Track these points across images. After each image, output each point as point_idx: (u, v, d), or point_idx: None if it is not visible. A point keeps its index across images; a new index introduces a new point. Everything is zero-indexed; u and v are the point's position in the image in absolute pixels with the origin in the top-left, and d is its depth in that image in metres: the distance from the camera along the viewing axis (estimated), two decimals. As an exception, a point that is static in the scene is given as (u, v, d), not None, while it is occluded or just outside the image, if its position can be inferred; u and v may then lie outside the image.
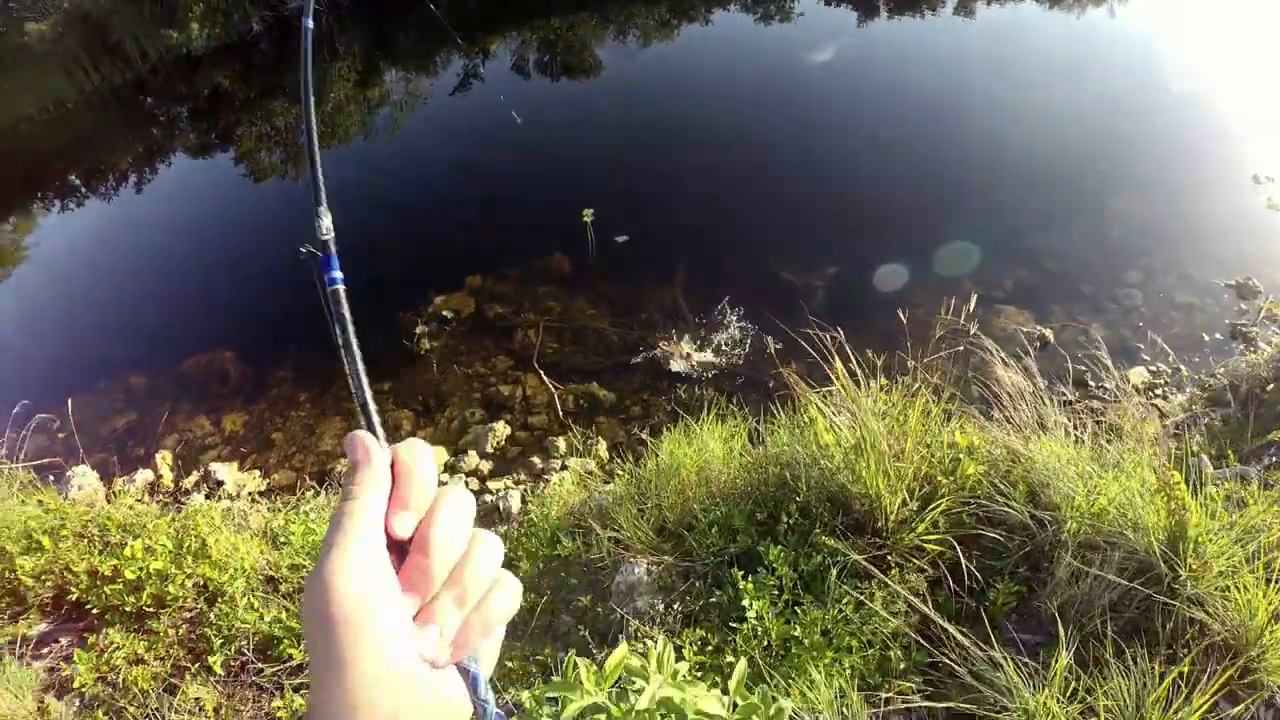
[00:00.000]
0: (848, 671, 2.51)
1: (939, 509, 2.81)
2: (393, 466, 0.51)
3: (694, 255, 6.69)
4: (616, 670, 1.73)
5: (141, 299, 9.50)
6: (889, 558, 2.81)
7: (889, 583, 2.62)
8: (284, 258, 8.87)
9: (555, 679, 1.82)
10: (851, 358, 2.97)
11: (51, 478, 5.56)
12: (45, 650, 3.64)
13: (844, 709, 2.31)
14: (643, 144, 9.17)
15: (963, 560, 2.66)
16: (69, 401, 5.32)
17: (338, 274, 0.70)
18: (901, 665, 2.53)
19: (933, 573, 2.80)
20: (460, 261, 7.29)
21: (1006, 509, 2.78)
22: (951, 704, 2.28)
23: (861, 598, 2.60)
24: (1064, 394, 3.85)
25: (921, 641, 2.50)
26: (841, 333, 3.06)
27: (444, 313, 6.67)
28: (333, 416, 5.99)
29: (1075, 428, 3.22)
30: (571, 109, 11.19)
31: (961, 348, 3.66)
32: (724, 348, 5.51)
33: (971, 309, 3.05)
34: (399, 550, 0.50)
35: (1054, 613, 2.37)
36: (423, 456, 0.52)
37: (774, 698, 1.86)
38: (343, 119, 12.82)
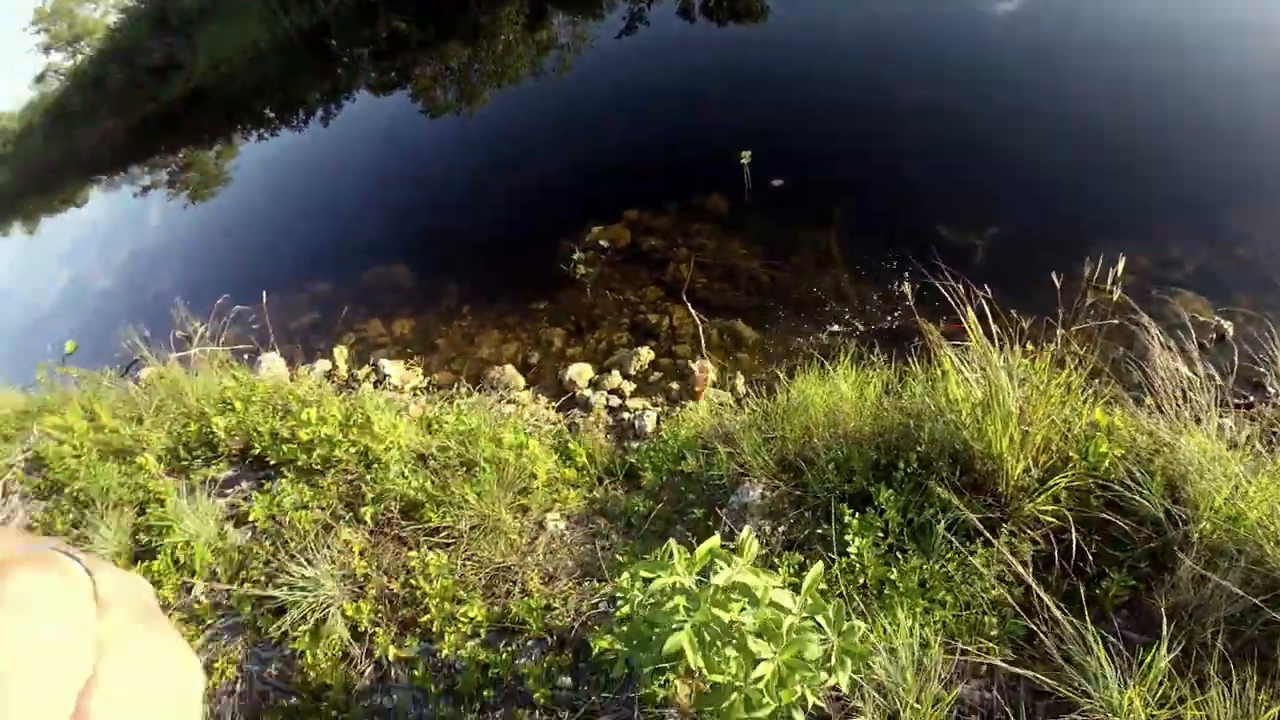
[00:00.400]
0: (937, 624, 2.53)
1: (1063, 482, 2.71)
2: None
3: (851, 203, 6.54)
4: (705, 557, 1.88)
5: (328, 217, 10.69)
6: (1003, 524, 2.75)
7: (995, 542, 2.59)
8: (456, 186, 9.67)
9: (651, 559, 1.99)
10: (995, 317, 2.88)
11: (246, 358, 6.49)
12: (229, 490, 4.33)
13: (925, 658, 2.34)
14: (805, 88, 8.94)
15: (1081, 541, 2.57)
16: (264, 295, 6.14)
17: None
18: (993, 632, 2.51)
19: (1045, 548, 2.72)
20: (619, 195, 7.59)
21: (1138, 498, 2.63)
22: (1033, 675, 2.25)
23: (969, 555, 2.58)
24: (1228, 390, 3.47)
25: (1019, 611, 2.46)
26: (990, 291, 2.97)
27: (601, 241, 7.02)
28: (491, 329, 6.52)
29: (1234, 429, 2.96)
30: (735, 53, 11.05)
31: (1117, 321, 3.41)
32: (872, 299, 5.45)
33: (1120, 273, 2.84)
34: None
35: (1163, 612, 2.25)
36: None
37: (849, 614, 1.95)
38: (513, 60, 13.41)
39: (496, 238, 8.04)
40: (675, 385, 5.17)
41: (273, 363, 6.30)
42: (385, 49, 17.86)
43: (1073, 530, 2.60)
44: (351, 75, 18.05)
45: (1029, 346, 3.12)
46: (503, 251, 7.67)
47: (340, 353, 6.95)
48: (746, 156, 7.02)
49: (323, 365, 6.70)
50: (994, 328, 2.88)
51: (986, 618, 2.53)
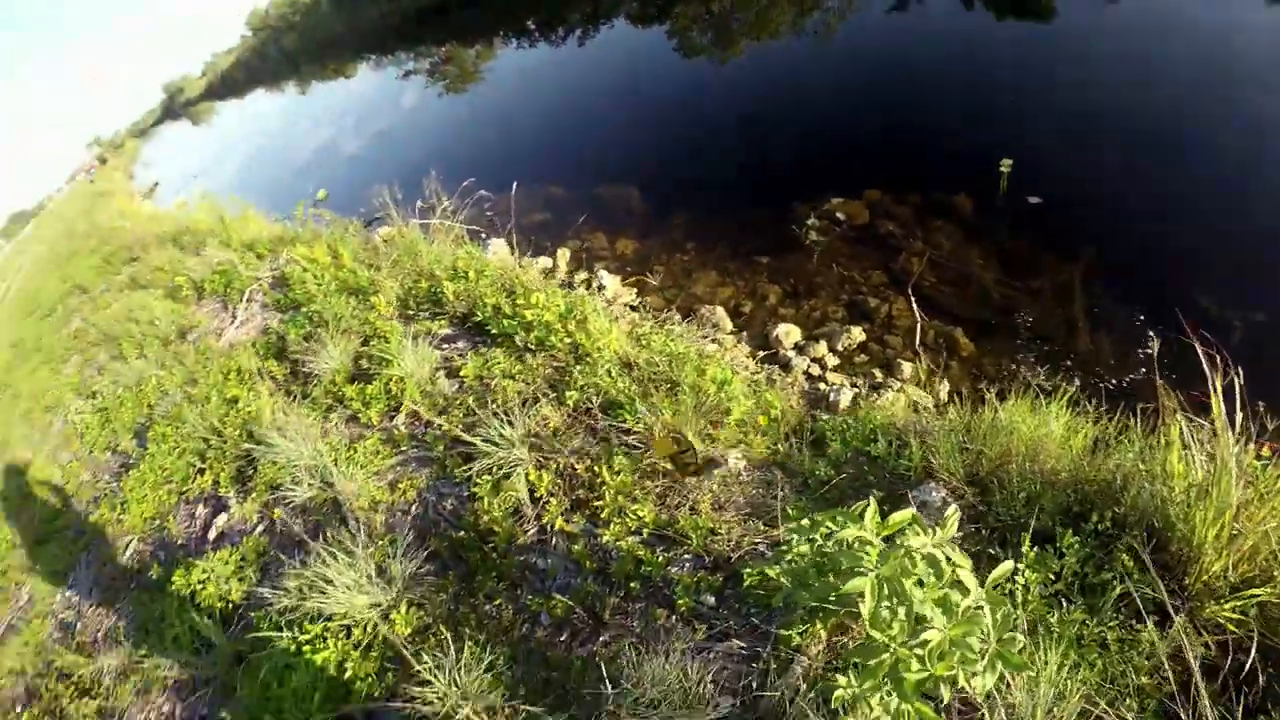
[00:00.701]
0: (1080, 682, 2.51)
1: (1261, 596, 2.56)
2: None
3: (1107, 243, 5.99)
4: (899, 523, 2.00)
5: (572, 129, 11.36)
6: (1178, 615, 2.65)
7: (1176, 626, 2.50)
8: (701, 128, 9.93)
9: (842, 509, 2.15)
10: (1241, 405, 2.70)
11: (484, 236, 7.21)
12: (446, 346, 4.92)
13: (1055, 708, 2.35)
14: (1086, 105, 8.10)
15: (1257, 665, 2.44)
16: (514, 186, 6.76)
17: None
18: (1130, 716, 2.46)
19: (1215, 655, 2.60)
20: (863, 172, 7.48)
21: (1335, 643, 2.44)
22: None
23: (1138, 632, 2.52)
24: None
25: (1171, 700, 2.40)
26: (1242, 374, 2.77)
27: (837, 214, 7.03)
28: (710, 269, 6.77)
29: None
30: (1015, 52, 10.22)
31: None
32: (1105, 348, 5.12)
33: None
34: None
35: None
36: None
37: (1014, 626, 2.02)
38: (776, 14, 13.25)
39: (733, 186, 8.21)
40: (878, 372, 5.20)
41: (499, 248, 6.96)
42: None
43: (1253, 650, 2.47)
44: (615, 2, 18.69)
45: (1266, 449, 2.91)
46: (737, 201, 7.83)
47: (563, 254, 7.55)
48: (1008, 165, 6.67)
49: (544, 262, 7.32)
50: (1238, 415, 2.71)
51: (1129, 700, 2.49)
